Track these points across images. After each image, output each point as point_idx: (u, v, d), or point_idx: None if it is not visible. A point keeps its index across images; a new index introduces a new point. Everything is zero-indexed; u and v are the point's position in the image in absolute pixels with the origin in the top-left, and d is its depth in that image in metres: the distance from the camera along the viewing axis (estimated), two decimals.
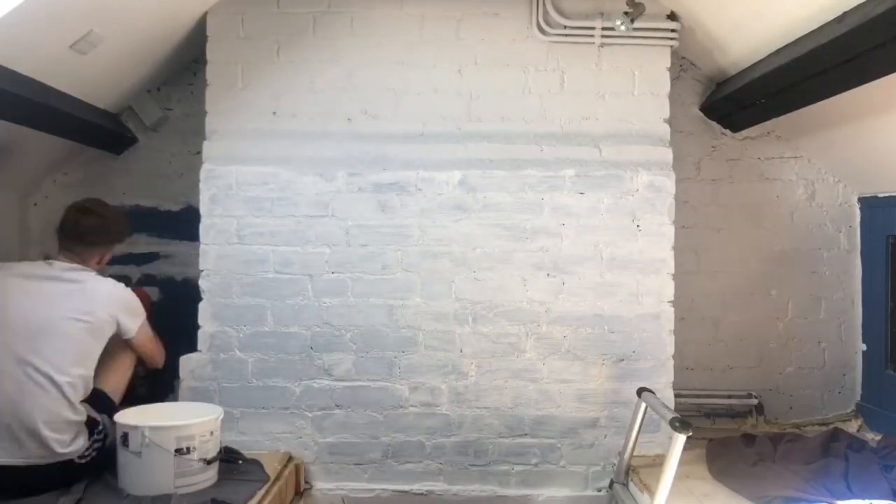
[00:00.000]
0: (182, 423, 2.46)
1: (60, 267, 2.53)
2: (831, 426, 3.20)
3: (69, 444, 2.40)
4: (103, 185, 3.43)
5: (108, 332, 2.56)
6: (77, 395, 2.44)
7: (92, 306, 2.49)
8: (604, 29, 3.02)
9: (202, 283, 3.05)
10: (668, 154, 3.07)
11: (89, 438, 2.47)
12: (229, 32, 3.06)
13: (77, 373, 2.44)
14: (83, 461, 2.45)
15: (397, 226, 3.06)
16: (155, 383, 3.16)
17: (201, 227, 3.06)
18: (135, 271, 3.46)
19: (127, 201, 3.45)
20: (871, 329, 3.40)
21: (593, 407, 3.07)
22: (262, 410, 3.06)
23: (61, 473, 2.40)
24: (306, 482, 3.07)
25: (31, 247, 3.38)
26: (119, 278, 3.41)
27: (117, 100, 3.28)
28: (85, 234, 2.60)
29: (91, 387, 2.53)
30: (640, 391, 2.71)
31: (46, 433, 2.34)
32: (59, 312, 2.44)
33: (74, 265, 2.56)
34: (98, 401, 2.58)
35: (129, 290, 2.66)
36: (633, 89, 3.07)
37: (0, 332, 2.38)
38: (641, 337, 3.06)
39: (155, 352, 2.79)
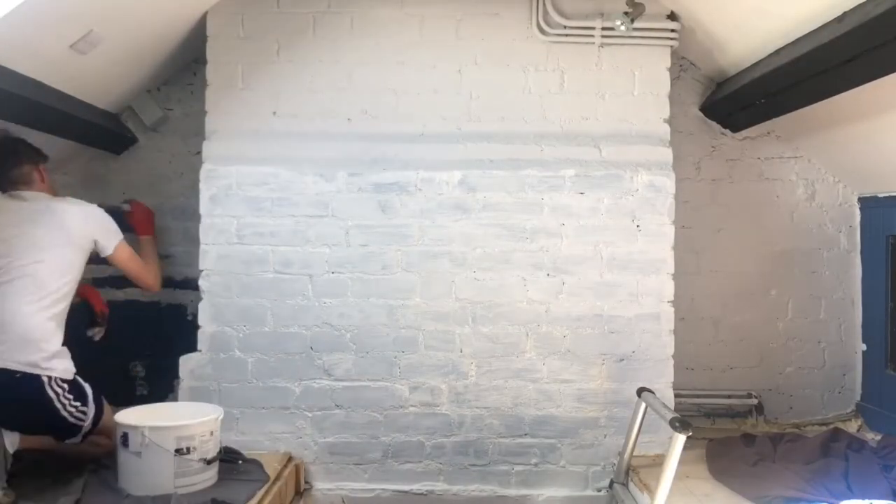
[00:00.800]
0: (182, 423, 2.47)
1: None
2: (831, 426, 3.21)
3: (47, 357, 2.43)
4: (103, 185, 3.43)
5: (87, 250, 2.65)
6: (57, 309, 2.51)
7: (65, 227, 2.58)
8: (604, 29, 3.02)
9: (202, 283, 3.05)
10: (668, 154, 3.07)
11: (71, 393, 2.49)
12: (229, 32, 3.06)
13: (57, 286, 2.51)
14: (63, 410, 2.46)
15: (397, 226, 3.06)
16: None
17: (201, 227, 3.06)
18: None
19: None
20: (871, 329, 3.40)
21: (593, 407, 3.07)
22: (262, 410, 3.06)
23: (31, 398, 2.42)
24: (306, 482, 3.07)
25: None
26: (118, 278, 3.42)
27: (117, 100, 3.28)
28: (19, 179, 2.65)
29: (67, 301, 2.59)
30: (640, 391, 2.71)
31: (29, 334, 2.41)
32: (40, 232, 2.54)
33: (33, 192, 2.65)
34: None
35: (101, 209, 2.73)
36: (633, 89, 3.07)
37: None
38: (641, 337, 3.06)
39: (141, 271, 2.85)
